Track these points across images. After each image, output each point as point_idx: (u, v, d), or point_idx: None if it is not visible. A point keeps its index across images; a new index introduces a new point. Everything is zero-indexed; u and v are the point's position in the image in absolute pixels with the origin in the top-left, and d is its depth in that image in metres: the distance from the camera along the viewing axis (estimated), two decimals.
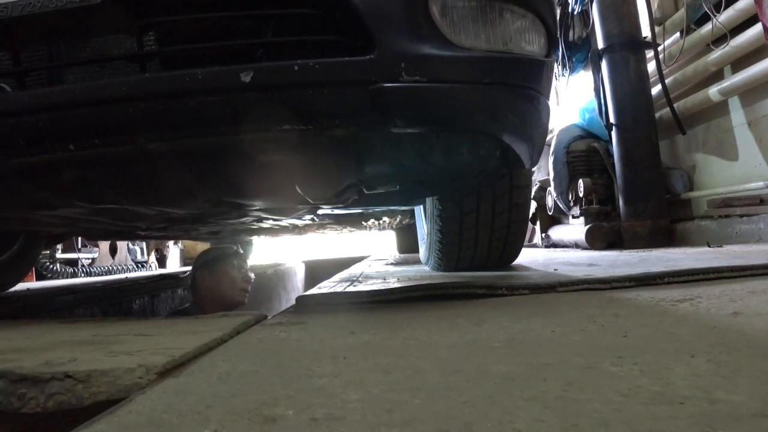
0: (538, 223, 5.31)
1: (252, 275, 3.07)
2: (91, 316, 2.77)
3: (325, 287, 1.93)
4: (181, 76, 1.18)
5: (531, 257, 3.30)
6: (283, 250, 8.45)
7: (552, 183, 4.61)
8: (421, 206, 2.56)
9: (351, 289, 1.72)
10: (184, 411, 0.58)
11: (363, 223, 3.51)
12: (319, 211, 2.21)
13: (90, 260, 5.96)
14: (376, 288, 1.62)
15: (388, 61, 1.19)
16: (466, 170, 1.67)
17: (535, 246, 5.34)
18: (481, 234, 2.06)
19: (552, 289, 1.53)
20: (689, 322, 0.98)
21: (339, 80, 1.18)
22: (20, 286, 3.26)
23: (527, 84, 1.41)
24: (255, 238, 5.51)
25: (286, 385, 0.66)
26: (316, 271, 6.22)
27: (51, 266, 5.08)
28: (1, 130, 1.26)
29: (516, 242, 2.20)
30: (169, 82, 1.18)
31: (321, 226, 3.54)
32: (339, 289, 1.75)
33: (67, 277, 5.12)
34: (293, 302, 1.61)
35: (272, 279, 5.02)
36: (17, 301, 2.65)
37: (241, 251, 3.12)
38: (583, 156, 4.38)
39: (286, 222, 2.71)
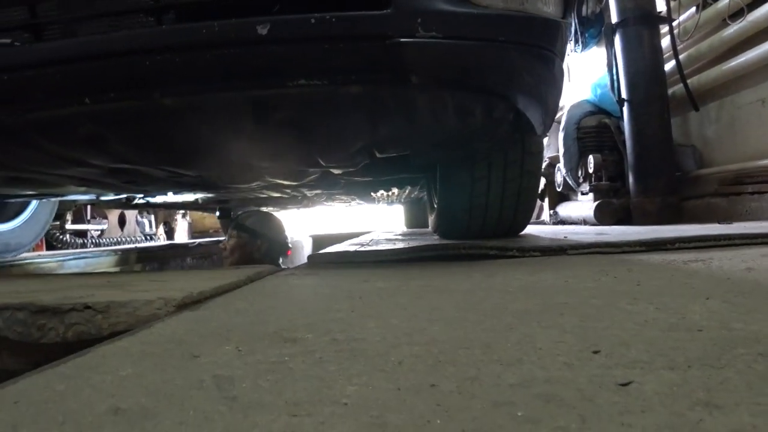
0: (546, 199, 5.29)
1: (288, 251, 2.97)
2: None
3: (335, 249, 1.94)
4: (198, 28, 1.17)
5: (539, 230, 3.29)
6: (290, 223, 8.47)
7: (561, 159, 4.58)
8: (432, 173, 2.56)
9: (361, 250, 1.73)
10: (204, 333, 0.59)
11: (372, 194, 3.49)
12: (329, 178, 2.21)
13: (99, 232, 6.00)
14: (388, 248, 1.62)
15: (404, 16, 1.18)
16: (478, 134, 1.66)
17: (542, 223, 5.33)
18: (491, 201, 2.05)
19: (563, 252, 1.53)
20: (702, 276, 0.98)
21: (355, 34, 1.17)
22: (31, 255, 3.29)
23: (543, 44, 1.39)
24: (262, 210, 5.51)
25: (304, 316, 0.67)
26: (322, 245, 6.24)
27: (61, 237, 5.11)
28: (18, 83, 1.26)
29: (526, 210, 2.19)
30: (186, 34, 1.18)
31: (329, 197, 3.53)
32: (350, 250, 1.76)
33: (76, 248, 5.15)
34: None
35: None
36: (29, 264, 2.68)
37: (281, 222, 3.00)
38: (594, 132, 4.34)
39: (295, 191, 2.70)
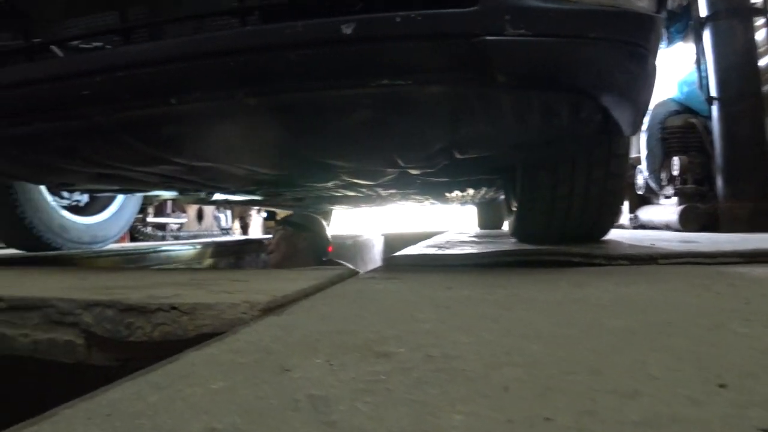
0: (626, 202, 5.09)
1: (329, 247, 3.08)
2: None
3: (413, 251, 1.91)
4: (282, 28, 1.16)
5: (620, 235, 3.16)
6: (361, 221, 8.51)
7: (644, 161, 4.38)
8: (511, 174, 2.49)
9: (440, 253, 1.70)
10: (291, 343, 0.57)
11: (447, 194, 3.44)
12: (405, 178, 2.18)
13: (179, 225, 6.21)
14: (467, 252, 1.58)
15: (492, 13, 1.13)
16: (563, 135, 1.59)
17: (621, 227, 5.13)
18: (573, 205, 1.97)
19: (653, 261, 1.45)
20: None
21: (441, 33, 1.14)
22: (116, 246, 3.43)
23: (635, 41, 1.31)
24: (335, 208, 5.57)
25: (391, 326, 0.64)
26: (394, 244, 6.22)
27: (143, 229, 5.33)
28: (109, 85, 1.29)
29: (610, 215, 2.10)
30: (270, 34, 1.18)
31: (403, 197, 3.50)
32: (428, 252, 1.72)
33: (157, 240, 5.36)
34: None
35: (351, 250, 5.07)
36: (115, 256, 2.79)
37: (324, 222, 3.14)
38: (680, 132, 4.13)
39: (369, 190, 2.70)
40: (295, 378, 0.45)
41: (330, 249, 3.12)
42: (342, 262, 3.29)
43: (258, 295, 0.77)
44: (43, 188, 2.71)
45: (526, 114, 1.37)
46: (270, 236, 3.11)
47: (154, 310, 0.71)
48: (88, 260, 2.53)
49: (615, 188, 1.99)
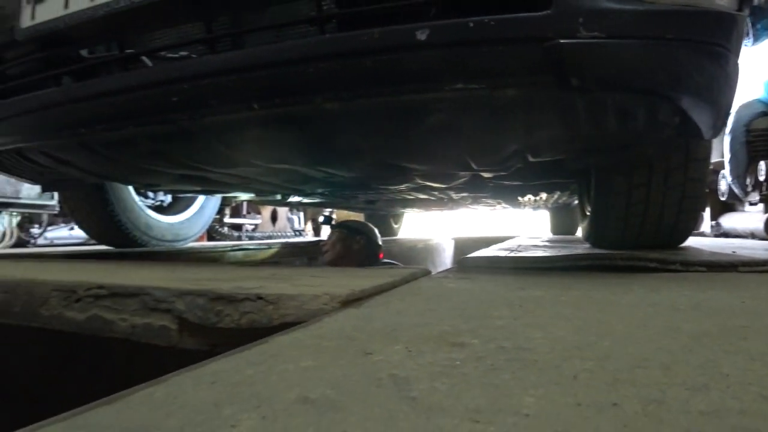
0: (707, 209, 4.89)
1: (380, 253, 3.21)
2: None
3: (484, 253, 1.92)
4: (359, 35, 1.21)
5: (700, 242, 3.05)
6: (432, 225, 8.52)
7: (727, 165, 4.21)
8: (585, 178, 2.46)
9: (512, 255, 1.70)
10: (371, 332, 0.60)
11: (519, 198, 3.42)
12: (477, 181, 2.19)
13: (254, 226, 6.44)
14: (539, 255, 1.58)
15: (565, 16, 1.14)
16: (639, 138, 1.57)
17: (702, 234, 4.93)
18: (650, 210, 1.93)
19: (733, 268, 1.40)
20: None
21: (514, 37, 1.15)
22: (197, 244, 3.60)
23: (715, 41, 1.28)
24: (406, 211, 5.61)
25: (465, 321, 0.67)
26: (464, 248, 6.20)
27: (220, 229, 5.56)
28: (196, 92, 1.37)
29: (688, 221, 2.04)
30: (348, 42, 1.22)
31: (475, 200, 3.51)
32: (500, 255, 1.73)
33: (233, 240, 5.58)
34: None
35: (421, 253, 5.10)
36: (196, 253, 2.93)
37: (376, 230, 3.26)
38: (766, 135, 3.95)
39: (441, 193, 2.72)
40: (376, 360, 0.49)
41: (381, 255, 3.25)
42: (395, 263, 3.39)
43: (337, 288, 0.81)
44: (131, 189, 2.88)
45: (601, 117, 1.36)
46: (326, 238, 3.27)
47: (241, 299, 0.76)
48: (171, 256, 2.67)
49: (694, 194, 1.94)
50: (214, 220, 5.37)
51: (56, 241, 4.95)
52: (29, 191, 4.11)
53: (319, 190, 2.59)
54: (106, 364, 1.30)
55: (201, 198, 3.40)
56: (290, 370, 0.46)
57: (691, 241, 2.71)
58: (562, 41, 1.14)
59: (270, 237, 6.43)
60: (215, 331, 0.80)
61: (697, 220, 2.10)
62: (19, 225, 4.36)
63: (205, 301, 0.81)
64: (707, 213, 4.96)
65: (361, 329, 0.61)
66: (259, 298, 0.75)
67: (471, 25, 1.15)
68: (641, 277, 1.26)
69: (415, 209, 4.62)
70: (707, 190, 4.69)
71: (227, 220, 5.85)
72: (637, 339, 0.60)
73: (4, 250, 3.65)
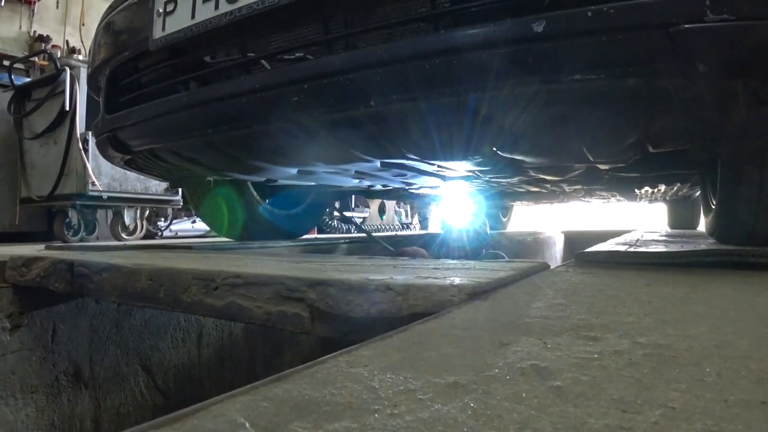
0: None
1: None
2: None
3: (602, 248, 1.88)
4: (475, 30, 1.22)
5: None
6: (541, 218, 8.35)
7: None
8: (710, 169, 2.33)
9: (632, 250, 1.65)
10: (503, 323, 0.62)
11: (636, 190, 3.29)
12: (593, 173, 2.14)
13: (362, 219, 6.59)
14: (661, 250, 1.52)
15: (691, 0, 1.09)
16: None
17: None
18: None
19: None
20: None
21: (635, 24, 1.12)
22: (309, 237, 3.75)
23: None
24: (515, 204, 5.54)
25: (595, 316, 0.67)
26: (575, 242, 6.02)
27: (330, 222, 5.74)
28: (314, 91, 1.43)
29: None
30: (464, 37, 1.23)
31: (588, 193, 3.41)
32: (619, 249, 1.69)
33: (342, 233, 5.75)
34: None
35: (532, 246, 5.02)
36: (311, 245, 3.06)
37: (486, 220, 3.29)
38: None
39: (554, 186, 2.67)
40: (515, 350, 0.51)
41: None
42: (500, 253, 3.40)
43: (463, 281, 0.83)
44: (249, 184, 3.04)
45: (730, 105, 1.29)
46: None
47: (372, 289, 0.81)
48: (289, 248, 2.80)
49: None
50: (325, 213, 5.54)
51: (180, 233, 5.32)
52: (156, 187, 4.44)
53: (430, 184, 2.62)
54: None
55: (313, 192, 3.53)
56: (434, 357, 0.49)
57: None
58: (687, 26, 1.10)
59: (378, 230, 6.56)
60: (346, 319, 0.85)
61: None
62: (148, 218, 4.71)
63: (335, 291, 0.85)
64: None
65: (492, 320, 0.63)
66: (389, 288, 0.79)
67: (589, 14, 1.13)
68: None
69: (525, 202, 4.54)
70: None
71: (336, 213, 6.03)
72: None
73: (137, 242, 3.96)
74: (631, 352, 0.51)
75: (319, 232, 5.60)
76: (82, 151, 3.91)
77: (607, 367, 0.46)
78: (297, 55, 1.60)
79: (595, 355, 0.49)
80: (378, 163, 1.94)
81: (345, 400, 0.38)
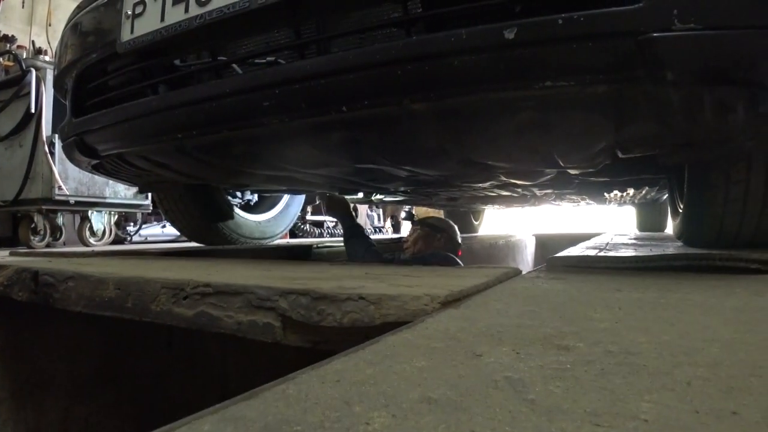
0: None
1: (459, 251, 3.24)
2: None
3: (573, 252, 1.90)
4: (447, 36, 1.22)
5: None
6: (513, 222, 8.42)
7: None
8: (678, 174, 2.37)
9: (602, 255, 1.67)
10: (476, 333, 0.62)
11: (605, 194, 3.34)
12: (563, 178, 2.16)
13: (334, 223, 6.57)
14: (631, 255, 1.54)
15: (659, 9, 1.10)
16: (738, 132, 1.50)
17: None
18: (749, 208, 1.84)
19: None
20: None
21: (605, 32, 1.13)
22: (282, 241, 3.72)
23: None
24: (487, 208, 5.58)
25: (567, 323, 0.67)
26: (547, 246, 6.09)
27: (302, 226, 5.72)
28: (285, 96, 1.41)
29: None
30: (435, 43, 1.23)
31: (558, 197, 3.45)
32: (589, 254, 1.71)
33: (314, 237, 5.72)
34: None
35: (503, 250, 5.05)
36: (283, 250, 3.04)
37: (456, 227, 3.28)
38: None
39: (525, 190, 2.69)
40: (488, 362, 0.51)
41: (459, 252, 3.25)
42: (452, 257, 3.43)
43: (435, 289, 0.83)
44: (220, 188, 3.01)
45: (697, 112, 1.31)
46: (407, 234, 3.35)
47: (344, 299, 0.80)
48: (260, 253, 2.78)
49: None
50: (297, 218, 5.51)
51: (150, 238, 5.24)
52: (125, 192, 4.36)
53: (402, 188, 2.62)
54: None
55: (285, 197, 3.51)
56: (407, 370, 0.49)
57: None
58: (655, 35, 1.11)
59: None
60: (318, 329, 0.84)
61: None
62: (116, 223, 4.63)
63: (308, 300, 0.85)
64: None
65: (465, 330, 0.63)
66: (361, 298, 0.79)
67: (560, 21, 1.14)
68: (742, 279, 1.22)
69: (497, 206, 4.58)
70: None
71: (309, 217, 6.01)
72: (746, 345, 0.59)
73: (105, 247, 3.89)
74: (603, 361, 0.51)
75: (291, 237, 5.57)
76: (49, 155, 3.83)
77: (579, 377, 0.46)
78: (268, 59, 1.59)
79: (568, 366, 0.49)
80: (351, 168, 1.94)
81: (317, 419, 0.37)
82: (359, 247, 3.00)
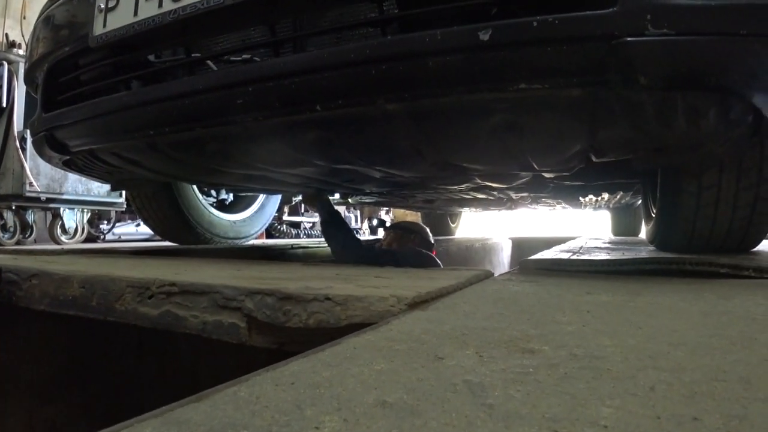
0: None
1: (434, 251, 3.30)
2: None
3: (546, 255, 1.90)
4: (421, 37, 1.21)
5: None
6: (490, 225, 8.46)
7: None
8: (651, 179, 2.39)
9: (575, 258, 1.68)
10: (440, 335, 0.61)
11: (580, 198, 3.36)
12: (538, 181, 2.17)
13: (311, 224, 6.54)
14: (603, 258, 1.55)
15: (632, 14, 1.11)
16: (709, 137, 1.51)
17: None
18: (720, 213, 1.86)
19: None
20: None
21: (579, 36, 1.13)
22: (257, 242, 3.69)
23: None
24: (464, 211, 5.60)
25: (534, 326, 0.67)
26: (523, 249, 6.12)
27: (279, 227, 5.68)
28: (259, 94, 1.39)
29: (761, 224, 1.95)
30: (410, 43, 1.22)
31: (534, 200, 3.47)
32: (563, 257, 1.71)
33: (291, 238, 5.69)
34: None
35: (479, 253, 5.07)
36: (258, 250, 3.01)
37: (427, 229, 3.35)
38: None
39: (501, 193, 2.70)
40: (449, 365, 0.50)
41: (434, 252, 3.30)
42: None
43: (403, 290, 0.82)
44: (194, 187, 2.97)
45: (670, 116, 1.32)
46: (381, 237, 3.40)
47: (310, 299, 0.78)
48: (234, 253, 2.75)
49: None
50: (273, 218, 5.47)
51: (123, 237, 5.16)
52: (99, 189, 4.29)
53: (378, 190, 2.61)
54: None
55: (261, 197, 3.48)
56: (365, 373, 0.47)
57: (765, 246, 2.60)
58: (629, 39, 1.11)
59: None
60: (283, 330, 0.82)
61: None
62: (89, 221, 4.55)
63: (273, 301, 0.83)
64: None
65: (430, 332, 0.62)
66: (327, 298, 0.77)
67: (535, 24, 1.13)
68: (711, 283, 1.22)
69: (473, 208, 4.59)
70: None
71: (286, 218, 5.97)
72: (711, 350, 0.59)
73: (76, 245, 3.82)
74: (567, 365, 0.50)
75: (268, 237, 5.52)
76: (20, 150, 3.75)
77: (541, 381, 0.45)
78: (244, 56, 1.57)
79: (531, 369, 0.48)
80: (326, 169, 1.92)
81: (265, 423, 0.36)
82: (339, 232, 3.00)
